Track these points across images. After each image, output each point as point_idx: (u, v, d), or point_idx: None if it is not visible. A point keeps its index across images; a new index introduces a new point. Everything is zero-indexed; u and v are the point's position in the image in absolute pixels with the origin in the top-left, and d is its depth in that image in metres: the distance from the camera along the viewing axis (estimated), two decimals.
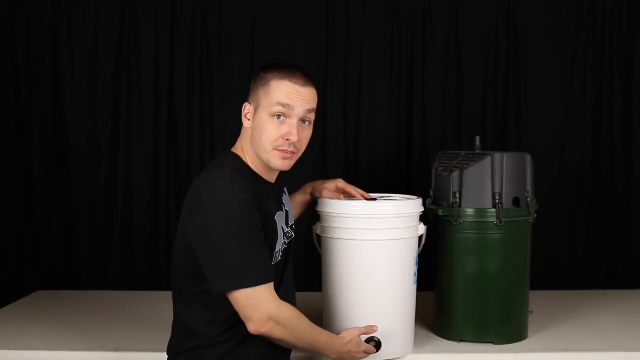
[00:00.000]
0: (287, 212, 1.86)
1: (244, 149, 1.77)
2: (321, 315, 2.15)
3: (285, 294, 1.77)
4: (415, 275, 2.12)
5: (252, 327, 1.61)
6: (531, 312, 2.35)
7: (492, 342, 2.23)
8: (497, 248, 2.22)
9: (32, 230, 3.26)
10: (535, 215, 2.29)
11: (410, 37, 3.23)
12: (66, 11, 3.22)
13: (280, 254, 1.76)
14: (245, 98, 1.81)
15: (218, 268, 1.59)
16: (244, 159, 1.76)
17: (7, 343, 2.25)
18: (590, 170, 3.24)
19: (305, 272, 3.09)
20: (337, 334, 1.88)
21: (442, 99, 3.24)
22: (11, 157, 3.25)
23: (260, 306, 1.60)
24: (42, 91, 3.24)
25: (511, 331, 2.27)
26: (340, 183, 2.13)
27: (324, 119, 3.24)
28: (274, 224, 1.72)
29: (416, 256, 2.13)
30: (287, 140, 1.70)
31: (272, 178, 1.80)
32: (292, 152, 1.73)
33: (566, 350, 2.19)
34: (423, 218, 2.17)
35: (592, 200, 3.25)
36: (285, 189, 1.93)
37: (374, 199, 2.14)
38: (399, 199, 2.17)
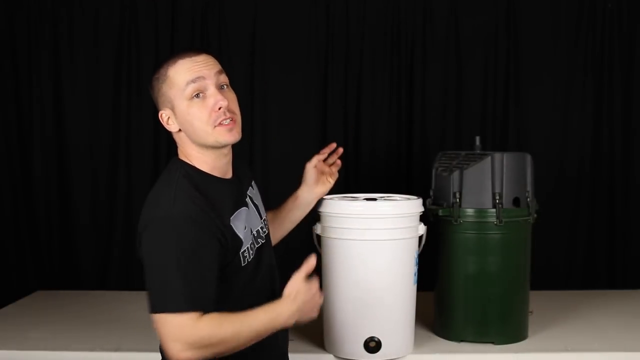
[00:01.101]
0: (256, 205, 1.76)
1: (187, 154, 1.67)
2: (321, 315, 2.15)
3: (258, 291, 1.67)
4: (415, 275, 2.12)
5: (170, 356, 1.50)
6: (531, 312, 2.35)
7: (492, 342, 2.23)
8: (497, 248, 2.22)
9: (32, 230, 3.26)
10: (535, 215, 2.29)
11: (410, 37, 3.23)
12: (66, 11, 3.22)
13: (251, 252, 1.66)
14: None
15: (150, 288, 1.52)
16: (191, 163, 1.66)
17: (7, 343, 2.25)
18: (590, 170, 3.24)
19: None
20: (336, 334, 1.84)
21: (442, 99, 3.24)
22: (11, 157, 3.25)
23: (181, 335, 1.47)
24: (42, 91, 3.24)
25: (511, 331, 2.27)
26: (314, 160, 2.03)
27: (324, 119, 3.24)
28: (228, 228, 1.60)
29: (416, 256, 2.13)
30: (219, 109, 1.60)
31: (227, 173, 1.70)
32: (231, 119, 1.62)
33: (566, 350, 2.19)
34: (423, 218, 2.17)
35: (592, 200, 3.25)
36: (253, 182, 1.83)
37: (374, 199, 2.13)
38: (398, 199, 2.17)
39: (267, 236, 1.80)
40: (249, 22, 3.23)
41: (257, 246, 1.71)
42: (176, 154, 1.75)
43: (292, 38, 3.24)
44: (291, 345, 2.17)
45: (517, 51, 3.23)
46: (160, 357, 1.77)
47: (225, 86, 1.65)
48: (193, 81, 1.59)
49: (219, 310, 1.52)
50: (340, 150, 2.08)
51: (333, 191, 2.26)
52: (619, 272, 3.24)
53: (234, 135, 1.63)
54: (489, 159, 2.22)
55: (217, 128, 1.61)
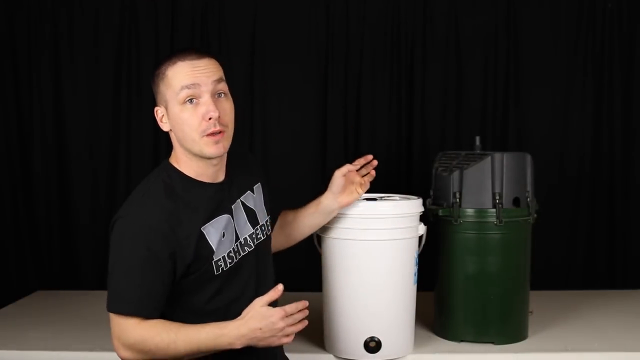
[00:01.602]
0: (250, 211, 1.74)
1: (177, 156, 1.67)
2: (321, 315, 2.15)
3: (237, 298, 1.65)
4: (415, 275, 2.12)
5: (116, 353, 1.60)
6: (531, 312, 2.35)
7: (492, 342, 2.23)
8: (497, 248, 2.22)
9: (32, 230, 3.26)
10: (535, 215, 2.29)
11: (410, 37, 3.23)
12: (66, 11, 3.22)
13: (228, 260, 1.64)
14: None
15: (109, 286, 1.59)
16: (178, 166, 1.66)
17: (7, 343, 2.25)
18: (590, 170, 3.24)
19: (305, 272, 3.08)
20: (336, 334, 1.83)
21: (442, 99, 3.24)
22: (11, 157, 3.25)
23: (121, 335, 1.56)
24: (42, 91, 3.24)
25: (511, 331, 2.27)
26: (344, 169, 1.94)
27: (324, 119, 3.24)
28: (194, 237, 1.59)
29: (416, 256, 2.13)
30: (210, 119, 1.57)
31: (216, 178, 1.67)
32: (221, 131, 1.59)
33: (566, 350, 2.19)
34: (423, 218, 2.17)
35: (592, 200, 3.25)
36: (256, 186, 1.79)
37: (374, 199, 2.13)
38: (398, 199, 2.17)
39: (262, 242, 1.76)
40: (249, 22, 3.23)
41: (242, 254, 1.68)
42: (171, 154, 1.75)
43: (292, 38, 3.24)
44: (291, 345, 2.17)
45: (517, 51, 3.23)
46: None
47: (222, 94, 1.62)
48: (188, 87, 1.57)
49: (193, 314, 1.59)
50: (375, 162, 2.00)
51: None
52: (619, 272, 3.24)
53: (219, 149, 1.61)
54: (489, 159, 2.22)
55: (204, 138, 1.59)
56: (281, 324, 1.53)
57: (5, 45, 3.23)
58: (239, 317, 1.56)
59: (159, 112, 1.66)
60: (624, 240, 3.25)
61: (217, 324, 1.55)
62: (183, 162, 1.66)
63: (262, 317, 1.53)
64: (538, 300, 2.48)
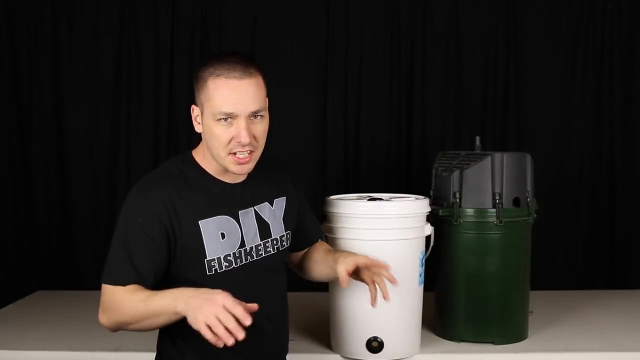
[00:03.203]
0: (264, 222, 1.70)
1: (203, 151, 1.67)
2: (327, 315, 2.15)
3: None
4: (421, 275, 2.12)
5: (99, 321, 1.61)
6: (531, 312, 2.35)
7: (492, 342, 2.23)
8: (497, 248, 2.22)
9: (32, 230, 3.26)
10: (535, 215, 2.29)
11: (410, 37, 3.24)
12: (66, 11, 3.22)
13: (225, 264, 1.61)
14: None
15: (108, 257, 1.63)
16: (199, 160, 1.66)
17: (7, 343, 2.25)
18: (590, 170, 3.24)
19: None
20: (343, 334, 1.81)
21: (442, 99, 3.24)
22: (11, 157, 3.25)
23: (103, 300, 1.59)
24: (42, 91, 3.24)
25: (511, 331, 2.27)
26: (361, 260, 1.74)
27: (324, 119, 3.24)
28: (193, 227, 1.58)
29: (422, 257, 2.12)
30: (239, 142, 1.57)
31: (233, 178, 1.67)
32: (250, 152, 1.59)
33: (566, 350, 2.19)
34: None
35: (592, 200, 3.25)
36: (278, 199, 1.75)
37: (380, 199, 2.13)
38: (405, 199, 2.16)
39: (271, 257, 1.71)
40: (249, 22, 3.23)
41: (244, 262, 1.66)
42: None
43: (292, 38, 3.24)
44: (297, 344, 2.19)
45: (517, 51, 3.24)
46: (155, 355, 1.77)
47: (259, 116, 1.61)
48: (226, 113, 1.56)
49: None
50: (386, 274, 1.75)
51: (334, 191, 2.27)
52: (619, 272, 3.25)
53: (243, 170, 1.62)
54: (489, 159, 2.22)
55: (229, 156, 1.59)
56: (214, 306, 1.38)
57: (5, 45, 3.24)
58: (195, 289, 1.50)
59: (195, 111, 1.64)
60: (624, 240, 3.25)
61: (170, 290, 1.50)
62: (208, 159, 1.67)
63: (209, 291, 1.44)
64: (538, 300, 2.48)
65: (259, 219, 1.70)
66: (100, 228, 3.24)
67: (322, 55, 3.24)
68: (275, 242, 1.73)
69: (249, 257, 1.67)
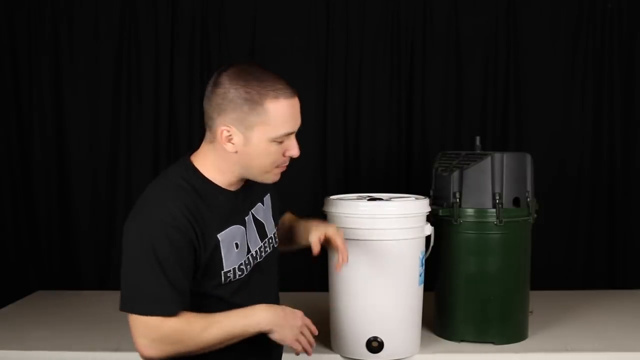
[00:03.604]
0: (259, 223, 1.71)
1: (208, 163, 1.60)
2: (327, 315, 2.15)
3: (239, 305, 1.60)
4: (421, 275, 2.12)
5: (140, 353, 1.52)
6: (531, 312, 2.35)
7: (492, 342, 2.23)
8: (497, 248, 2.22)
9: (32, 230, 3.26)
10: (535, 215, 2.29)
11: (410, 37, 3.23)
12: (66, 11, 3.22)
13: (238, 272, 1.61)
14: None
15: (122, 286, 1.52)
16: (202, 169, 1.60)
17: (7, 343, 2.25)
18: (590, 170, 3.24)
19: (311, 273, 3.09)
20: (343, 335, 1.82)
21: (442, 99, 3.24)
22: (11, 157, 3.25)
23: (148, 333, 1.49)
24: (42, 91, 3.24)
25: (511, 331, 2.27)
26: (330, 231, 1.81)
27: (324, 119, 3.24)
28: (213, 241, 1.57)
29: (422, 257, 2.12)
30: (291, 156, 1.61)
31: (236, 186, 1.64)
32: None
33: (566, 350, 2.20)
34: None
35: (592, 200, 3.25)
36: (266, 197, 1.76)
37: (380, 199, 2.13)
38: (405, 198, 2.17)
39: (269, 255, 1.73)
40: (249, 22, 3.23)
41: (251, 267, 1.66)
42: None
43: (292, 38, 3.24)
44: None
45: (517, 51, 3.23)
46: None
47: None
48: (288, 133, 1.57)
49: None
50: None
51: (334, 191, 2.27)
52: (619, 272, 3.24)
53: (278, 178, 1.64)
54: (489, 159, 2.22)
55: (275, 169, 1.61)
56: (299, 322, 1.61)
57: (5, 45, 3.23)
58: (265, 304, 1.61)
59: (230, 132, 1.54)
60: (624, 240, 3.25)
61: (243, 309, 1.57)
62: (216, 170, 1.60)
63: (287, 309, 1.62)
64: (538, 300, 2.48)
65: (256, 221, 1.70)
66: (100, 228, 3.25)
67: (322, 55, 3.24)
68: (270, 240, 1.74)
69: (254, 261, 1.67)
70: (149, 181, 3.04)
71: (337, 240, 1.80)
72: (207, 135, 1.60)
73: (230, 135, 1.54)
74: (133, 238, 1.51)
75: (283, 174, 1.71)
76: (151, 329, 1.49)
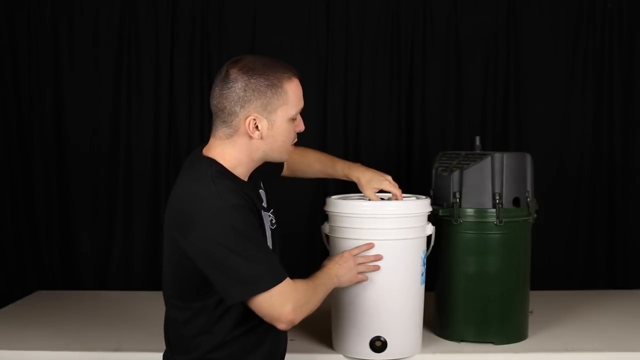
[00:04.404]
0: (264, 207, 1.76)
1: (232, 157, 1.64)
2: (328, 314, 2.15)
3: None
4: (422, 275, 2.12)
5: (283, 325, 1.57)
6: (531, 312, 2.35)
7: (492, 342, 2.23)
8: (497, 248, 2.22)
9: (32, 230, 3.26)
10: (535, 215, 2.29)
11: (410, 37, 3.23)
12: (66, 11, 3.22)
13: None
14: None
15: (228, 280, 1.53)
16: (224, 164, 1.64)
17: (7, 343, 2.25)
18: (590, 170, 3.24)
19: (310, 272, 3.08)
20: (344, 334, 1.88)
21: (442, 99, 3.24)
22: (11, 157, 3.25)
23: (282, 303, 1.55)
24: (42, 91, 3.24)
25: (511, 331, 2.27)
26: (386, 186, 2.08)
27: (324, 119, 3.24)
28: (262, 221, 1.66)
29: (423, 256, 2.12)
30: (301, 130, 1.72)
31: (247, 176, 1.70)
32: None
33: (566, 350, 2.20)
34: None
35: (592, 200, 3.25)
36: (261, 182, 1.81)
37: (382, 199, 2.13)
38: (407, 198, 2.16)
39: (275, 232, 1.79)
40: (249, 22, 3.23)
41: (272, 242, 1.72)
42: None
43: (292, 38, 3.24)
44: (299, 344, 2.19)
45: (517, 51, 3.23)
46: (160, 357, 1.77)
47: None
48: (300, 111, 1.69)
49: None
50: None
51: (335, 191, 2.26)
52: (619, 272, 3.24)
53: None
54: (489, 159, 2.22)
55: (288, 147, 1.71)
56: (351, 262, 1.89)
57: (5, 45, 3.23)
58: (330, 262, 1.87)
59: (256, 121, 1.61)
60: (624, 240, 3.25)
61: (322, 272, 1.80)
62: (232, 161, 1.64)
63: (339, 257, 1.89)
64: (538, 300, 2.48)
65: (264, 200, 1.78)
66: (100, 228, 3.25)
67: (322, 55, 3.24)
68: (274, 213, 1.79)
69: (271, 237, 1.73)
70: (149, 181, 3.06)
71: (396, 192, 2.08)
72: (221, 131, 1.64)
73: (256, 123, 1.62)
74: (215, 237, 1.52)
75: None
76: (289, 293, 1.57)
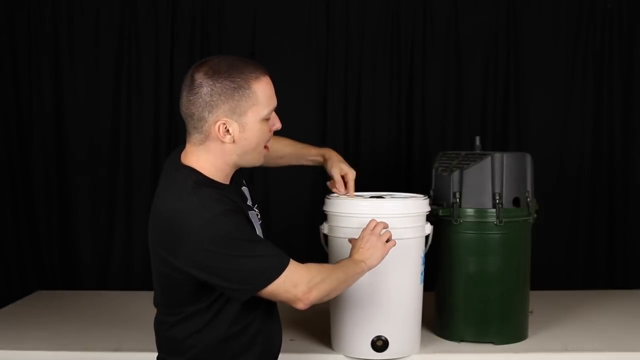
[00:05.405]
0: (249, 205, 1.75)
1: (208, 163, 1.60)
2: (327, 314, 2.15)
3: None
4: (421, 274, 2.12)
5: (302, 305, 1.57)
6: (531, 312, 2.35)
7: (492, 342, 2.23)
8: (497, 248, 2.22)
9: (32, 230, 3.26)
10: (535, 215, 2.29)
11: (410, 37, 3.23)
12: (66, 11, 3.22)
13: None
14: None
15: (234, 282, 1.52)
16: (199, 169, 1.60)
17: (7, 343, 2.25)
18: (590, 170, 3.24)
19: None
20: (344, 334, 1.86)
21: (442, 99, 3.24)
22: (11, 157, 3.25)
23: (295, 284, 1.55)
24: (42, 91, 3.24)
25: (511, 331, 2.27)
26: (350, 175, 2.10)
27: (324, 119, 3.24)
28: (250, 220, 1.64)
29: (422, 256, 2.13)
30: (276, 128, 1.66)
31: (228, 180, 1.66)
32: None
33: (566, 350, 2.20)
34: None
35: (592, 200, 3.25)
36: (243, 180, 1.79)
37: (381, 197, 2.13)
38: (405, 197, 2.16)
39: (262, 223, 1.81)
40: (249, 22, 3.23)
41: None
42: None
43: (292, 38, 3.24)
44: (298, 344, 2.19)
45: (517, 51, 3.23)
46: (156, 357, 1.77)
47: None
48: (274, 107, 1.62)
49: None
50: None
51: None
52: (619, 272, 3.24)
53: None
54: (489, 159, 2.22)
55: (263, 149, 1.64)
56: (373, 239, 1.77)
57: (5, 45, 3.23)
58: (354, 245, 1.79)
59: (226, 125, 1.56)
60: (624, 240, 3.25)
61: (349, 258, 1.75)
62: (210, 167, 1.61)
63: (359, 241, 1.78)
64: (538, 300, 2.48)
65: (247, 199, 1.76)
66: (100, 228, 3.25)
67: (322, 55, 3.24)
68: (258, 208, 1.79)
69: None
70: (149, 181, 3.06)
71: (349, 181, 2.09)
72: (194, 137, 1.60)
73: (226, 128, 1.57)
74: (208, 248, 1.49)
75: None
76: (299, 273, 1.57)
